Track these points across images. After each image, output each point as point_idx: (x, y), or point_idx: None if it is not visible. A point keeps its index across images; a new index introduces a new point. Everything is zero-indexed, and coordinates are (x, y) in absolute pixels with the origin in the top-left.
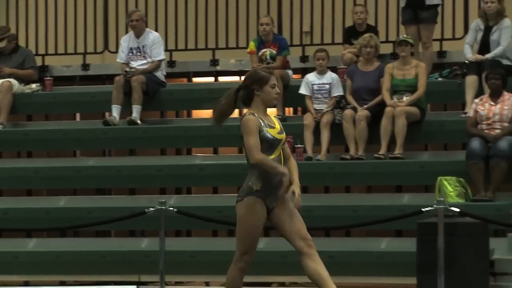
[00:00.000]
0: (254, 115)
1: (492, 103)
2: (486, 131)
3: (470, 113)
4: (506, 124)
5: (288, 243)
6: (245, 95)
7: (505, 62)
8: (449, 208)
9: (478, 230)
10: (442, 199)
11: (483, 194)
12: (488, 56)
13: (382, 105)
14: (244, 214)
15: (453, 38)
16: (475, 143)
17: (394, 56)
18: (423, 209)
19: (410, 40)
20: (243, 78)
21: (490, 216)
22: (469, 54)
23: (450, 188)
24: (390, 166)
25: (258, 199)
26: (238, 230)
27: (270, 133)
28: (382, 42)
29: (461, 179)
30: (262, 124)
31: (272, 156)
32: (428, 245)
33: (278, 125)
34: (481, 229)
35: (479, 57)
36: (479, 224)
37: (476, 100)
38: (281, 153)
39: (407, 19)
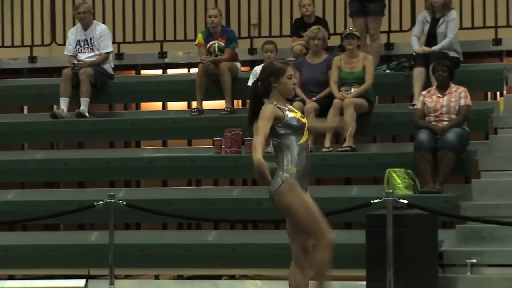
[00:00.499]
0: (275, 105)
1: (440, 95)
2: (433, 123)
3: (418, 105)
4: (453, 116)
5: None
6: (263, 88)
7: (452, 54)
8: (398, 200)
9: (427, 221)
10: (390, 191)
11: (431, 186)
12: (435, 48)
13: (330, 97)
14: (293, 196)
15: (400, 30)
16: (423, 135)
17: (342, 48)
18: (372, 201)
19: (357, 33)
20: (192, 70)
21: (438, 207)
22: (416, 46)
23: (398, 180)
24: (339, 158)
25: (295, 181)
26: (299, 216)
27: (295, 116)
28: (330, 34)
29: (409, 171)
30: (285, 109)
31: (302, 140)
32: (377, 237)
33: (298, 111)
34: (430, 221)
35: (426, 49)
36: (427, 216)
37: (424, 92)
38: (308, 140)
39: (355, 11)
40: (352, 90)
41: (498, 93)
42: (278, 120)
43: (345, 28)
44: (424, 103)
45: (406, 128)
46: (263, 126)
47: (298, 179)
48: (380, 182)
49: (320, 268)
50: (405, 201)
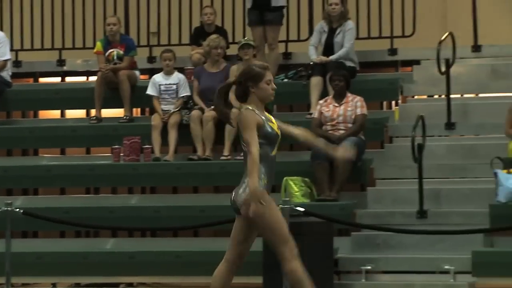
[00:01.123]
0: (253, 111)
1: (336, 104)
2: (330, 132)
3: (315, 114)
4: (349, 125)
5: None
6: (241, 91)
7: (349, 63)
8: (295, 208)
9: (323, 229)
10: (287, 199)
11: (328, 193)
12: (332, 57)
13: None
14: (266, 207)
15: (298, 40)
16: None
17: (240, 57)
18: None
19: (252, 43)
20: (91, 78)
21: (334, 215)
22: (314, 55)
23: (295, 188)
24: (237, 167)
25: (265, 190)
26: (266, 224)
27: (273, 128)
28: (229, 43)
29: (306, 179)
30: (264, 118)
31: (274, 152)
32: None
33: (274, 120)
34: (326, 229)
35: (324, 58)
36: (323, 224)
37: (321, 101)
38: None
39: (253, 21)
40: None
41: (393, 102)
42: (258, 128)
43: (244, 37)
44: (321, 112)
45: None
46: (253, 139)
47: (268, 188)
48: (278, 190)
49: (295, 279)
50: (302, 209)
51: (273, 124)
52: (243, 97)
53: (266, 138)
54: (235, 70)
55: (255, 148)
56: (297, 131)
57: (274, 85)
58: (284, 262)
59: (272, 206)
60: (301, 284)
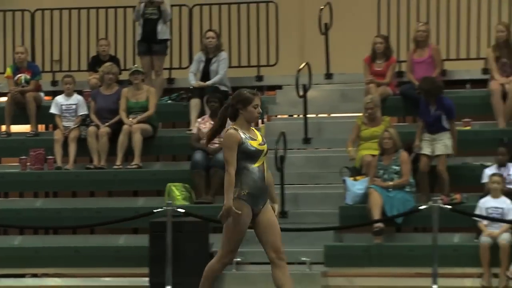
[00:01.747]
0: (236, 130)
1: (212, 122)
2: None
3: (194, 130)
4: (222, 139)
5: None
6: (232, 112)
7: (223, 88)
8: (176, 209)
9: (200, 227)
10: (170, 202)
11: (205, 197)
12: (208, 83)
13: (120, 123)
14: (233, 215)
15: (180, 68)
16: (198, 155)
17: (131, 82)
18: (154, 211)
19: (141, 70)
20: (2, 99)
21: (210, 215)
22: (193, 81)
23: (177, 193)
24: (128, 174)
25: (245, 203)
26: (226, 230)
27: (252, 144)
28: (121, 70)
29: (186, 185)
30: (243, 137)
31: (256, 165)
32: (159, 240)
33: (260, 137)
34: (203, 227)
35: (201, 83)
36: (201, 223)
37: (199, 120)
38: (264, 163)
39: (142, 51)
40: (138, 117)
41: (260, 121)
42: (238, 146)
43: (133, 64)
44: (199, 129)
45: (184, 149)
46: (231, 160)
47: (249, 200)
48: (162, 194)
49: (206, 275)
50: (183, 210)
51: (255, 141)
52: (233, 117)
53: (245, 153)
54: (125, 92)
55: (231, 168)
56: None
57: (260, 110)
58: (215, 259)
59: (242, 217)
60: (206, 282)
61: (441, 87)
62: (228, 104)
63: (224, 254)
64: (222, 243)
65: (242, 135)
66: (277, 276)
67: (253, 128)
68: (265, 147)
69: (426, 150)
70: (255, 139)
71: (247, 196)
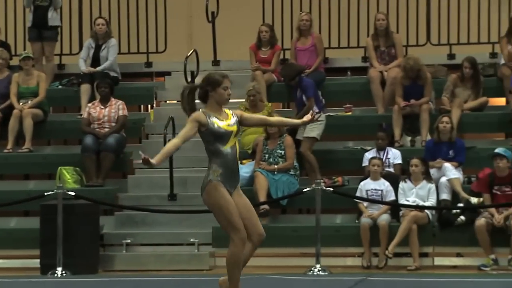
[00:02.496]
0: (202, 112)
1: (102, 107)
2: (97, 129)
3: (85, 115)
4: (113, 124)
5: None
6: (202, 94)
7: (113, 74)
8: (67, 192)
9: (91, 210)
10: (61, 185)
11: (95, 180)
12: (98, 69)
13: (11, 107)
14: (214, 197)
15: (70, 54)
16: (89, 139)
17: (21, 67)
18: (45, 193)
19: (32, 55)
20: None
21: (101, 198)
22: (83, 67)
23: (68, 176)
24: (19, 158)
25: (220, 183)
26: (218, 215)
27: (219, 125)
28: (12, 55)
29: (77, 168)
30: (209, 119)
31: (227, 146)
32: (50, 223)
33: (231, 118)
34: (93, 209)
35: (92, 69)
36: (91, 205)
37: (89, 104)
38: (236, 143)
39: (33, 37)
40: (29, 102)
41: (149, 106)
42: (203, 126)
43: (24, 50)
44: (89, 113)
45: (75, 133)
46: (183, 130)
47: (223, 180)
48: (53, 177)
49: (230, 263)
50: (73, 193)
51: (224, 122)
52: (204, 99)
53: (213, 134)
54: (16, 77)
55: (175, 138)
56: (272, 119)
57: (230, 92)
58: (230, 247)
59: (222, 196)
60: (236, 270)
61: (299, 70)
62: (195, 85)
63: (233, 236)
64: (225, 228)
65: (208, 119)
66: (249, 253)
67: (226, 110)
68: (235, 127)
69: (299, 134)
70: (223, 121)
71: (221, 176)
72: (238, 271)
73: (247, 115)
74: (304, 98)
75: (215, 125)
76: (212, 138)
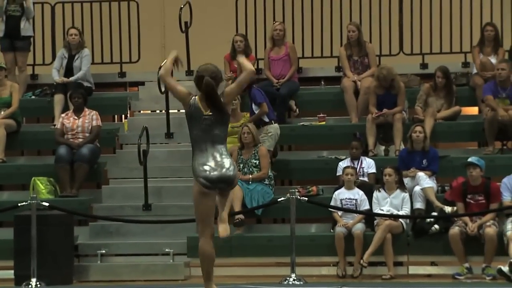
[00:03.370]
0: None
1: (76, 117)
2: (71, 140)
3: (58, 125)
4: (87, 135)
5: None
6: (199, 84)
7: (86, 84)
8: (41, 203)
9: (65, 220)
10: (35, 195)
11: (69, 191)
12: (72, 79)
13: None
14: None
15: (43, 64)
16: (62, 150)
17: None
18: (19, 204)
19: (4, 66)
20: None
21: (75, 209)
22: (57, 77)
23: (42, 186)
24: (6, 168)
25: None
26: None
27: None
28: None
29: (51, 179)
30: (194, 102)
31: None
32: (24, 233)
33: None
34: (67, 220)
35: (65, 79)
36: (65, 216)
37: (63, 115)
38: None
39: (5, 47)
40: (2, 112)
41: (123, 116)
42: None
43: None
44: (63, 124)
45: (48, 144)
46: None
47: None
48: (27, 188)
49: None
50: (47, 204)
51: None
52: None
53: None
54: None
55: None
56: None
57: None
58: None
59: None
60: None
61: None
62: (214, 77)
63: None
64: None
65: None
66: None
67: None
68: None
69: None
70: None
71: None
72: (206, 264)
73: (227, 90)
74: (254, 107)
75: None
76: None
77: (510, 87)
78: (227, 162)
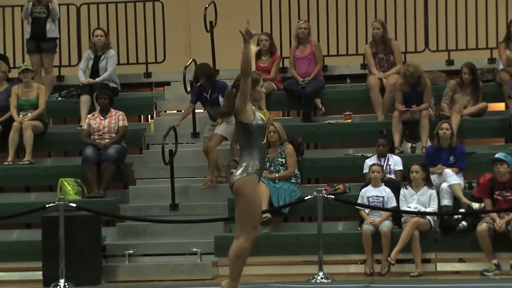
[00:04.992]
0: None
1: (102, 118)
2: (97, 140)
3: (85, 126)
4: (113, 135)
5: None
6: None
7: (112, 84)
8: (68, 204)
9: (92, 221)
10: (62, 196)
11: (96, 191)
12: (98, 80)
13: (11, 120)
14: (251, 189)
15: (69, 65)
16: (89, 151)
17: (20, 80)
18: (47, 205)
19: (30, 68)
20: None
21: (102, 209)
22: (83, 78)
23: (69, 187)
24: (20, 170)
25: (257, 177)
26: (245, 207)
27: (262, 117)
28: (11, 68)
29: (78, 179)
30: (255, 112)
31: (264, 142)
32: (51, 234)
33: (265, 114)
34: (95, 220)
35: (91, 80)
36: (93, 216)
37: (89, 116)
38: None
39: (32, 49)
40: (29, 114)
41: (149, 116)
42: (249, 119)
43: (23, 62)
44: (89, 125)
45: (75, 145)
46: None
47: (259, 174)
48: (54, 189)
49: (237, 256)
50: (75, 205)
51: (262, 115)
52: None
53: (259, 128)
54: (15, 89)
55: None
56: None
57: (265, 89)
58: (242, 240)
59: (258, 191)
60: (241, 261)
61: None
62: (235, 84)
63: (250, 232)
64: (243, 222)
65: (254, 111)
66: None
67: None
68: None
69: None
70: (262, 115)
71: (257, 171)
72: (242, 265)
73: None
74: (221, 98)
75: (259, 117)
76: (256, 131)
77: None
78: (237, 169)
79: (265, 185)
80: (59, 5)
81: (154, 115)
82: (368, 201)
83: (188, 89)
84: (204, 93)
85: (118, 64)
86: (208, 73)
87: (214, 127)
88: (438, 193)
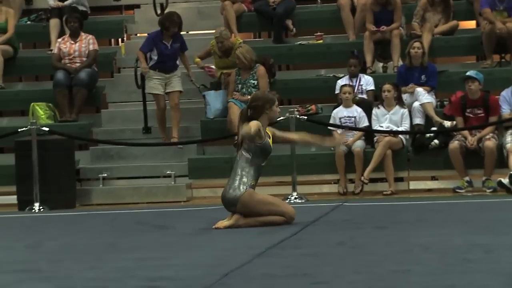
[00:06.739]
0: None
1: (72, 42)
2: (68, 64)
3: (55, 50)
4: (84, 59)
5: None
6: (256, 113)
7: (81, 8)
8: (41, 128)
9: (65, 145)
10: (34, 121)
11: (69, 115)
12: (66, 3)
13: None
14: (258, 195)
15: None
16: (60, 75)
17: None
18: (19, 130)
19: None
20: None
21: (75, 133)
22: (52, 1)
23: (41, 112)
24: None
25: (252, 189)
26: (264, 205)
27: (269, 141)
28: None
29: (50, 104)
30: (267, 135)
31: (264, 163)
32: (25, 159)
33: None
34: (68, 144)
35: (60, 3)
36: (66, 140)
37: (59, 40)
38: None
39: None
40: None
41: (120, 39)
42: (261, 138)
43: None
44: (60, 49)
45: (46, 69)
46: (258, 127)
47: (253, 187)
48: (26, 114)
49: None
50: (47, 129)
51: (270, 140)
52: (256, 117)
53: (264, 151)
54: None
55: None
56: (295, 136)
57: (279, 108)
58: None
59: (259, 199)
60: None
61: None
62: (251, 106)
63: (284, 211)
64: (275, 212)
65: (265, 134)
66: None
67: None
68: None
69: (159, 90)
70: (270, 138)
71: (253, 186)
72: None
73: (278, 133)
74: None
75: (268, 141)
76: (263, 153)
77: None
78: (234, 182)
79: (238, 107)
80: None
81: (125, 39)
82: (340, 121)
83: (158, 11)
84: (164, 41)
85: None
86: (180, 24)
87: (164, 82)
88: (410, 112)
